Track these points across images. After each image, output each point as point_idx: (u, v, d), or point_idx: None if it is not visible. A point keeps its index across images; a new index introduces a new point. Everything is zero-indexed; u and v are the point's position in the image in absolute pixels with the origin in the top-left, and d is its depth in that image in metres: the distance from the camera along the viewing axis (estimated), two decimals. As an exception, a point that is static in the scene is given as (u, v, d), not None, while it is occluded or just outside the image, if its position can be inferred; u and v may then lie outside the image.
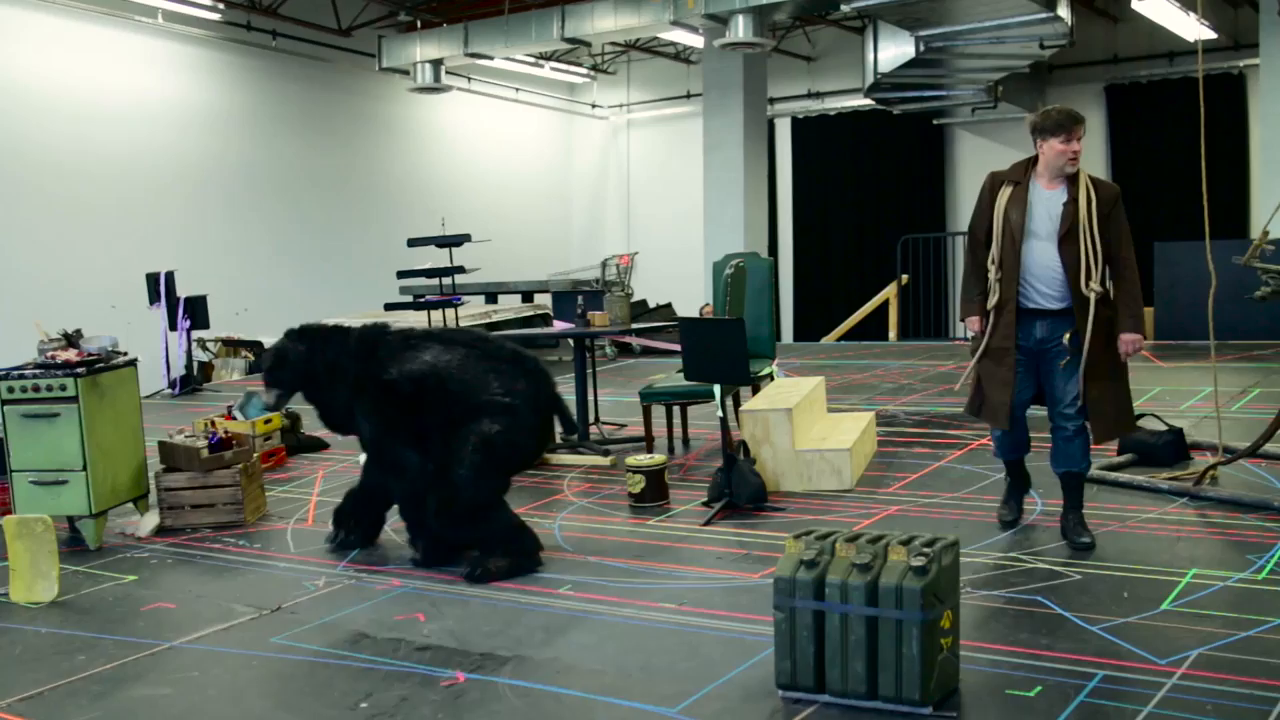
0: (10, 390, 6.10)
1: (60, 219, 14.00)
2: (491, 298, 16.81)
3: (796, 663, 3.76)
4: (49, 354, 6.30)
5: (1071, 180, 5.20)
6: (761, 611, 4.49)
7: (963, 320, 5.59)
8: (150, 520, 6.48)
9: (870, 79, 15.24)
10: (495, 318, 14.39)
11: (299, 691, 4.09)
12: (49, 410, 6.05)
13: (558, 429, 6.15)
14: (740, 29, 13.39)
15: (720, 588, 5.03)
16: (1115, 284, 5.23)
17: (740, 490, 6.25)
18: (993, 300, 5.30)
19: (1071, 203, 5.16)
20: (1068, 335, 5.18)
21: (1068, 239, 5.14)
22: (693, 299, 17.13)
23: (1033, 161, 5.30)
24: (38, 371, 6.13)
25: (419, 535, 5.57)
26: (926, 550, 3.70)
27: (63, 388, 6.06)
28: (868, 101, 17.66)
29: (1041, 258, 5.20)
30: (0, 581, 5.42)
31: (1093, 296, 5.13)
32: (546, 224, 22.44)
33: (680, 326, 6.77)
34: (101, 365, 6.25)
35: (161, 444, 6.69)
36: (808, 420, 7.12)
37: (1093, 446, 5.41)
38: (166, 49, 15.40)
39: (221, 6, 15.06)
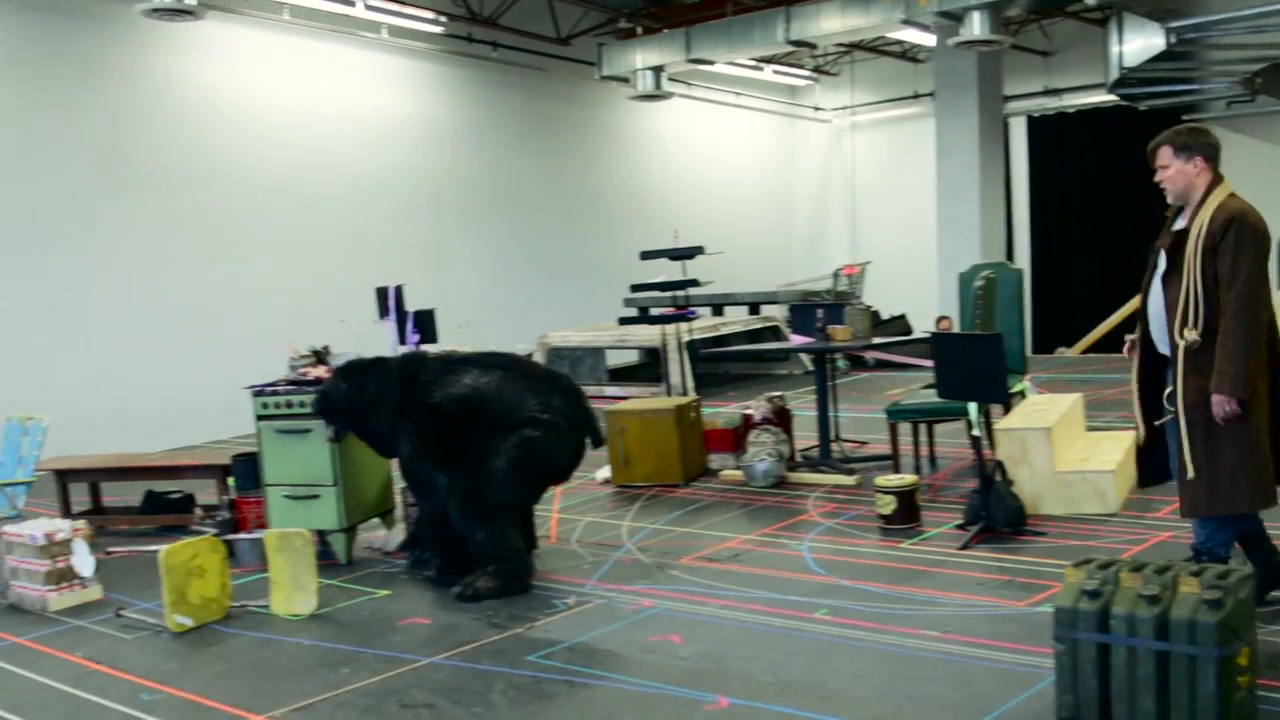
0: (265, 406, 6.35)
1: (289, 234, 14.31)
2: (718, 309, 16.68)
3: (1079, 697, 3.61)
4: (300, 371, 6.50)
5: (1199, 208, 4.51)
6: (1031, 641, 4.33)
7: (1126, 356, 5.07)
8: (397, 535, 6.61)
9: (1115, 74, 14.42)
10: (724, 330, 14.12)
11: (562, 712, 4.07)
12: (301, 426, 6.25)
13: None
14: (976, 26, 12.88)
15: (985, 615, 4.79)
16: (1219, 331, 4.38)
17: (998, 512, 5.97)
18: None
19: (1184, 233, 4.52)
20: (1169, 390, 4.56)
21: (1171, 276, 4.51)
22: (925, 310, 16.62)
23: None
24: (290, 388, 6.35)
25: (435, 553, 5.86)
26: (1220, 582, 3.52)
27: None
28: (1110, 97, 16.80)
29: (1155, 297, 4.63)
30: (261, 593, 5.61)
31: (1183, 344, 4.43)
32: (768, 232, 22.10)
33: (933, 342, 6.56)
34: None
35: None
36: (1067, 439, 6.77)
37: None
38: (392, 64, 15.74)
39: (444, 20, 15.36)
